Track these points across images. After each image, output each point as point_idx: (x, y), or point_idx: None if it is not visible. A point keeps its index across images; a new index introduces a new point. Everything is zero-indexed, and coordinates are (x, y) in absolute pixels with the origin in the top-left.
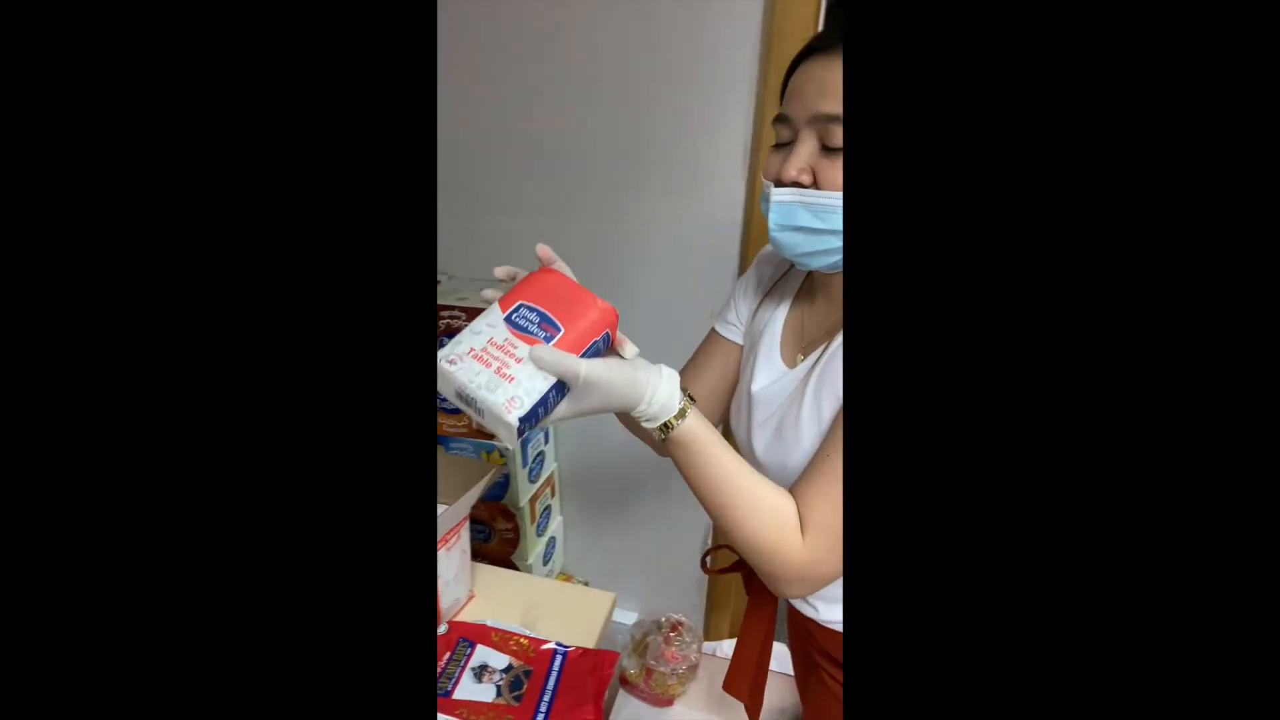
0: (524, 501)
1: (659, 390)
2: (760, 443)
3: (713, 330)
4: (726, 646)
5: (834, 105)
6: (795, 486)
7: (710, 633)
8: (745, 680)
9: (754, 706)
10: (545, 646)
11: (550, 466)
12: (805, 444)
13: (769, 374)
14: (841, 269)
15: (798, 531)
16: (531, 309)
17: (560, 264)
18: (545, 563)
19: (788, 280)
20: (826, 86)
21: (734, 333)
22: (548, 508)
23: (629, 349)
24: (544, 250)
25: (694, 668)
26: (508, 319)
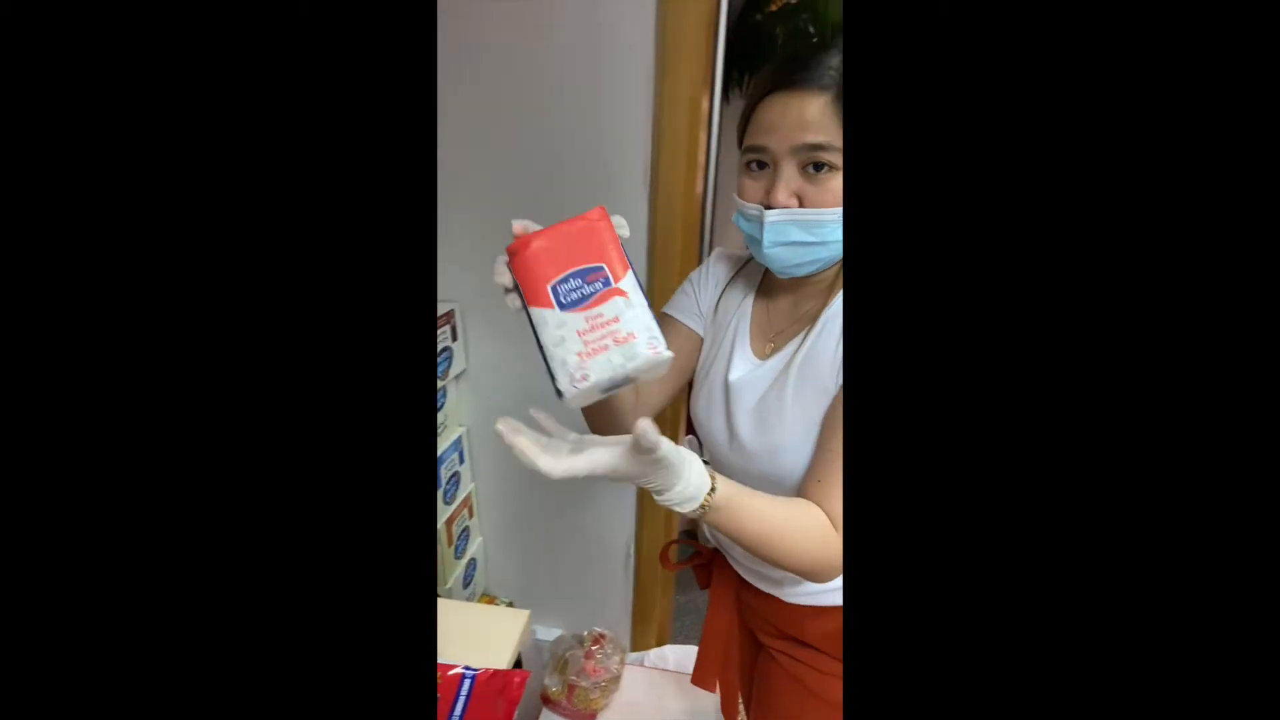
0: (439, 524)
1: (693, 471)
2: (745, 428)
3: (668, 317)
4: (653, 656)
5: (814, 135)
6: (809, 487)
7: (636, 644)
8: (713, 670)
9: (728, 695)
10: (452, 672)
11: (467, 487)
12: (790, 430)
13: (743, 365)
14: (814, 271)
15: (834, 531)
16: (564, 280)
17: (533, 224)
18: (466, 586)
19: (744, 278)
20: (804, 120)
21: (695, 322)
22: (466, 529)
23: (623, 227)
24: (519, 225)
25: (616, 679)
26: (564, 308)
